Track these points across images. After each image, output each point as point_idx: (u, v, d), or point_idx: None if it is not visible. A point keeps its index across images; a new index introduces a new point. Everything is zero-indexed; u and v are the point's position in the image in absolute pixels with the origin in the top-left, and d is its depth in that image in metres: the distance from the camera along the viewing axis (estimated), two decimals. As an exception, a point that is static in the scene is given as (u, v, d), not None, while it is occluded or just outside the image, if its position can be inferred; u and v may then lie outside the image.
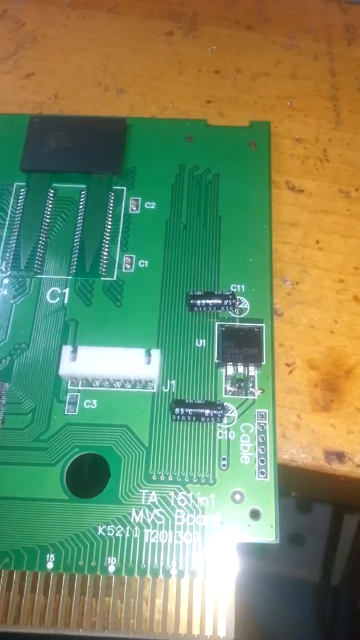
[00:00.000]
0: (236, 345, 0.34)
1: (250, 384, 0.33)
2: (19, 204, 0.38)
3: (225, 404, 0.33)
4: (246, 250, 0.37)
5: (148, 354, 0.33)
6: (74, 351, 0.33)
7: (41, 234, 0.37)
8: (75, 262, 0.37)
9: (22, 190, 0.39)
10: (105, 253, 0.37)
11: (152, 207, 0.38)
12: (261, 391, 0.33)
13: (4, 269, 0.36)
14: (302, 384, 0.35)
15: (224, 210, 0.38)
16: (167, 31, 0.48)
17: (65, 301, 0.36)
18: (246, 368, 0.34)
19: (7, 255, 0.37)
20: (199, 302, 0.35)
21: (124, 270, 0.36)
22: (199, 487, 0.31)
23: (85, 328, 0.35)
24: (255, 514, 0.31)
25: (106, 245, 0.37)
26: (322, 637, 0.61)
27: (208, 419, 0.32)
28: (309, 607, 0.61)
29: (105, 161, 0.39)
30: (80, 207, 0.38)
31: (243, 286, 0.36)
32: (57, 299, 0.36)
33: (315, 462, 0.34)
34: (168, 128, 0.41)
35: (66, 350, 0.33)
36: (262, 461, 0.32)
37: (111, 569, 0.30)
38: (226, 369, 0.34)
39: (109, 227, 0.38)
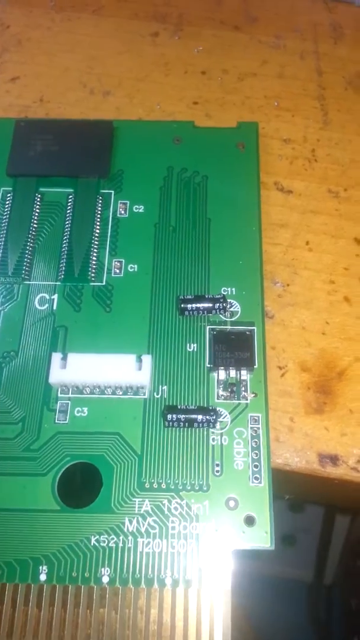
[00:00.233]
0: (228, 349, 0.34)
1: (243, 388, 0.33)
2: (6, 209, 0.38)
3: (217, 409, 0.32)
4: (236, 252, 0.37)
5: (139, 359, 0.33)
6: (64, 358, 0.32)
7: (29, 240, 0.37)
8: (63, 268, 0.36)
9: (9, 195, 0.38)
10: (94, 258, 0.36)
11: (140, 210, 0.38)
12: (254, 395, 0.33)
13: (-9, 276, 0.36)
14: (294, 387, 0.35)
15: (213, 213, 0.38)
16: (152, 32, 0.48)
17: (54, 307, 0.35)
18: (238, 372, 0.33)
19: (-6, 261, 0.36)
20: (189, 306, 0.34)
21: (113, 275, 0.36)
22: (192, 494, 0.31)
23: (75, 334, 0.34)
24: (249, 520, 0.30)
25: (95, 250, 0.37)
26: (317, 636, 0.61)
27: (201, 425, 0.32)
28: (302, 607, 0.61)
29: (92, 165, 0.39)
30: (68, 211, 0.38)
31: (234, 289, 0.35)
32: (46, 305, 0.35)
33: (309, 465, 0.33)
34: (155, 130, 0.41)
35: (56, 357, 0.32)
36: (256, 466, 0.31)
37: (105, 579, 0.29)
38: (218, 373, 0.33)
39: (98, 231, 0.37)
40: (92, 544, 0.30)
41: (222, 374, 0.33)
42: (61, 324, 0.35)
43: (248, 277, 0.36)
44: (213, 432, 0.32)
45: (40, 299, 0.35)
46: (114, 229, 0.37)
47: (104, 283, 0.36)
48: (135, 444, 0.32)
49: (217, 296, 0.34)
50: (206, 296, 0.35)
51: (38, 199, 0.38)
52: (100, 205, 0.38)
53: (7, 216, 0.37)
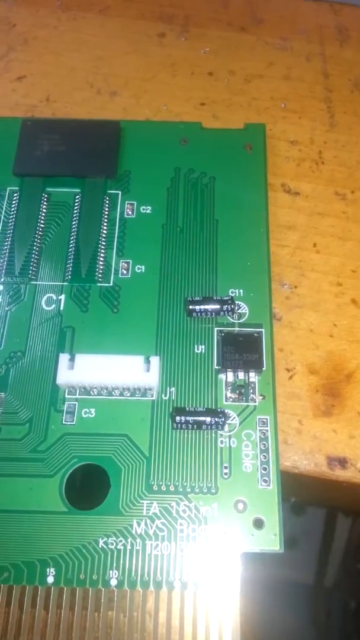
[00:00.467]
0: (236, 351, 0.33)
1: (251, 390, 0.33)
2: (12, 209, 0.38)
3: (226, 411, 0.32)
4: (244, 253, 0.36)
5: (147, 361, 0.32)
6: (72, 359, 0.32)
7: (35, 240, 0.37)
8: (70, 268, 0.36)
9: (15, 195, 0.38)
10: (101, 258, 0.36)
11: (147, 211, 0.38)
12: (262, 397, 0.33)
13: (-3, 276, 0.36)
14: (302, 389, 0.35)
15: (220, 214, 0.38)
16: (159, 33, 0.47)
17: (61, 308, 0.35)
18: (246, 374, 0.33)
19: (1, 261, 0.36)
20: (197, 307, 0.34)
21: (120, 276, 0.36)
22: (201, 497, 0.31)
23: (82, 335, 0.34)
24: (258, 523, 0.30)
25: (102, 251, 0.36)
26: (318, 639, 0.60)
27: (209, 427, 0.32)
28: (303, 609, 0.61)
29: (99, 165, 0.39)
30: (75, 211, 0.38)
31: (241, 290, 0.35)
32: (53, 306, 0.35)
33: (318, 468, 0.33)
34: (162, 131, 0.41)
35: (63, 358, 0.32)
36: (265, 469, 0.31)
37: (113, 582, 0.29)
38: (226, 375, 0.33)
39: (105, 231, 0.37)
40: (100, 546, 0.29)
41: (230, 376, 0.33)
42: (68, 325, 0.34)
43: (256, 279, 0.36)
44: (221, 435, 0.32)
45: (47, 299, 0.35)
46: (121, 230, 0.37)
47: (111, 284, 0.36)
48: (143, 446, 0.32)
49: (225, 298, 0.34)
50: (214, 298, 0.34)
51: (45, 199, 0.38)
52: (107, 205, 0.38)
53: (14, 216, 0.37)
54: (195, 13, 0.49)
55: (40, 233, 0.37)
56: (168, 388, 0.33)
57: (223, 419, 0.31)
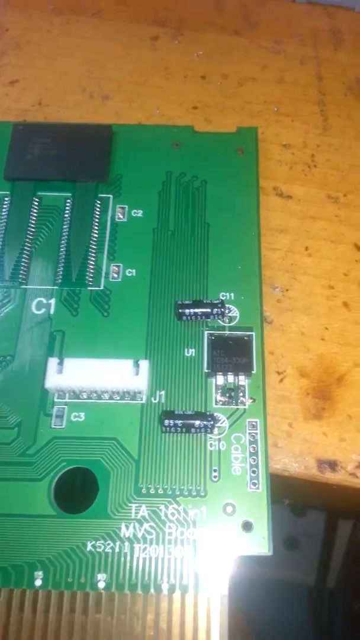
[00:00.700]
0: (226, 355, 0.33)
1: (241, 394, 0.33)
2: (3, 213, 0.38)
3: (215, 414, 0.32)
4: (235, 257, 0.36)
5: (136, 364, 0.32)
6: (61, 363, 0.32)
7: (26, 243, 0.37)
8: (61, 272, 0.36)
9: (6, 199, 0.38)
10: (91, 262, 0.36)
11: (139, 215, 0.38)
12: (252, 400, 0.33)
13: (-12, 280, 0.36)
14: (293, 392, 0.35)
15: (212, 217, 0.38)
16: (152, 36, 0.47)
17: (52, 312, 0.35)
18: (236, 377, 0.33)
19: (-8, 265, 0.36)
20: (187, 311, 0.34)
21: (111, 280, 0.36)
22: (190, 500, 0.31)
23: (72, 339, 0.34)
24: (247, 526, 0.30)
25: (92, 254, 0.36)
26: None
27: (198, 430, 0.32)
28: (305, 611, 0.60)
29: (90, 169, 0.39)
30: (66, 215, 0.38)
31: (232, 294, 0.35)
32: (43, 310, 0.35)
33: (308, 471, 0.33)
34: (154, 135, 0.41)
35: (52, 362, 0.32)
36: (254, 472, 0.31)
37: (101, 585, 0.29)
38: (216, 378, 0.33)
39: (95, 235, 0.37)
40: (88, 550, 0.29)
41: (220, 379, 0.33)
42: (58, 329, 0.34)
43: (247, 282, 0.36)
44: (211, 438, 0.32)
45: (37, 303, 0.35)
46: (112, 234, 0.37)
47: (101, 287, 0.36)
48: (132, 449, 0.32)
49: (215, 301, 0.34)
50: (204, 301, 0.34)
51: (36, 203, 0.38)
52: (98, 209, 0.38)
53: (5, 220, 0.37)
54: (188, 16, 0.49)
55: (30, 237, 0.37)
56: (158, 391, 0.33)
57: (212, 422, 0.31)
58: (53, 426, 0.32)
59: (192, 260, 0.36)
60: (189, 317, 0.34)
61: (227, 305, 0.35)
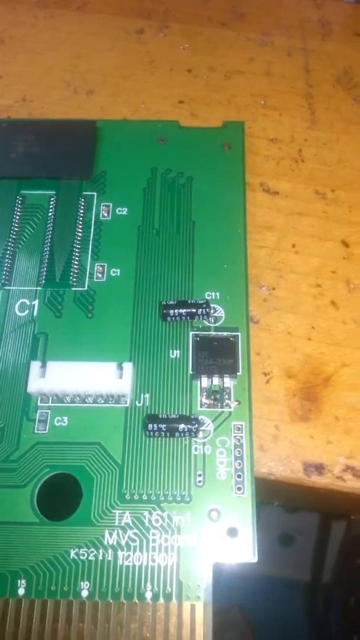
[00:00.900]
0: (211, 356, 0.33)
1: (226, 396, 0.32)
2: (-14, 213, 0.37)
3: (200, 417, 0.32)
4: (221, 256, 0.36)
5: (120, 367, 0.32)
6: (43, 367, 0.32)
7: (9, 243, 0.36)
8: (45, 272, 0.35)
9: (-11, 198, 0.38)
10: (75, 262, 0.36)
11: (123, 212, 0.37)
12: (237, 403, 0.32)
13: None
14: (279, 394, 0.34)
15: (197, 215, 0.37)
16: (138, 29, 0.47)
17: (35, 313, 0.34)
18: (221, 379, 0.33)
19: (-26, 266, 0.36)
20: (172, 311, 0.34)
21: (95, 280, 0.35)
22: (174, 506, 0.30)
23: (56, 341, 0.34)
24: (232, 532, 0.30)
25: (77, 254, 0.36)
26: (316, 635, 0.60)
27: (183, 434, 0.31)
28: (301, 606, 0.60)
29: (74, 166, 0.38)
30: (50, 214, 0.37)
31: (218, 293, 0.35)
32: (26, 312, 0.34)
33: (294, 475, 0.33)
34: (139, 130, 0.40)
35: (34, 366, 0.32)
36: (239, 476, 0.31)
37: (84, 593, 0.29)
38: (201, 380, 0.33)
39: (80, 234, 0.36)
40: (71, 557, 0.29)
41: (205, 382, 0.33)
42: (42, 331, 0.34)
43: (233, 281, 0.35)
44: (195, 442, 0.31)
45: (20, 305, 0.35)
46: (96, 232, 0.37)
47: (85, 288, 0.35)
48: (116, 454, 0.31)
49: (199, 301, 0.34)
50: (189, 301, 0.34)
51: (19, 202, 0.37)
52: (82, 207, 0.37)
53: (-12, 220, 0.37)
54: (174, 8, 0.48)
55: (14, 236, 0.36)
56: (142, 394, 0.32)
57: (197, 426, 0.31)
58: (36, 431, 0.32)
59: (177, 259, 0.36)
60: (173, 318, 0.34)
61: (212, 305, 0.34)
